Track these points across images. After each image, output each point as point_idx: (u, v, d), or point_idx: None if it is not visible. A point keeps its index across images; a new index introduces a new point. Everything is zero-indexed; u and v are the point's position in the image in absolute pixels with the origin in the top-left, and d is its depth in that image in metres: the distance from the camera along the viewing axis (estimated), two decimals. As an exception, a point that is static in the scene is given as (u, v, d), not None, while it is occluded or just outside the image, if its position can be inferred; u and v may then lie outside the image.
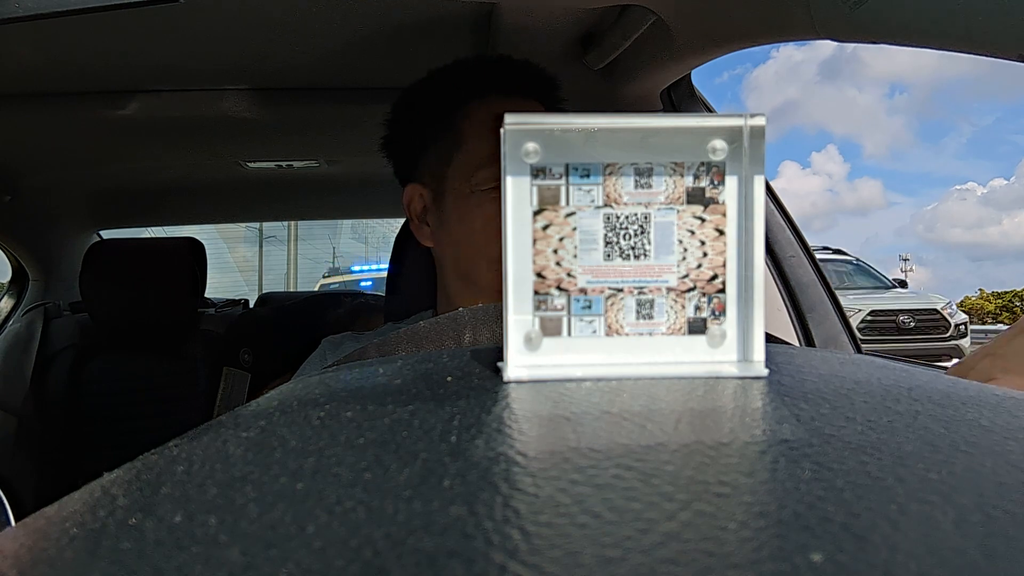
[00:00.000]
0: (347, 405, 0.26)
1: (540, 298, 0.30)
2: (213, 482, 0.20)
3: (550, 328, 0.30)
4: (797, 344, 1.04)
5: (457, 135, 0.79)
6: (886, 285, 8.14)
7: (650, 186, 0.30)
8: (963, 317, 7.64)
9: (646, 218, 0.30)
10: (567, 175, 0.29)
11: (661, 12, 0.84)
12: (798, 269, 1.08)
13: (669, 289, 0.30)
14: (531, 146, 0.29)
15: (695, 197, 0.30)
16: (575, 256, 0.30)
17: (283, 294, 2.75)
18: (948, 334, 7.32)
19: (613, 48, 0.98)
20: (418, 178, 0.83)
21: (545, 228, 0.29)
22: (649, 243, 0.30)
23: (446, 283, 0.84)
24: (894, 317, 7.27)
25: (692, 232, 0.30)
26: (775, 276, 1.08)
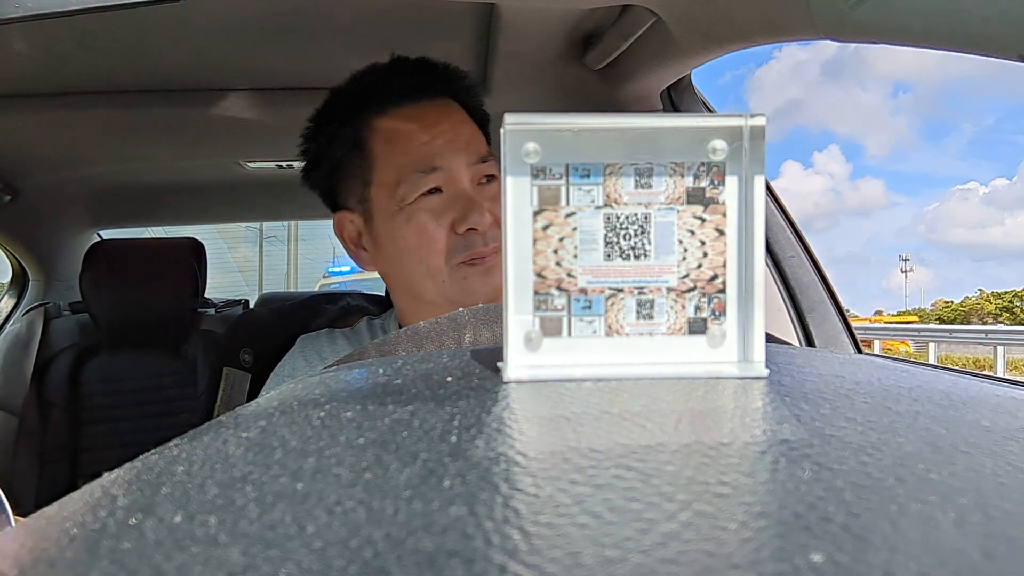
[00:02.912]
0: (347, 405, 0.26)
1: (540, 298, 0.30)
2: (213, 482, 0.20)
3: (550, 328, 0.30)
4: (797, 344, 1.04)
5: (369, 155, 0.77)
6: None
7: (650, 186, 0.30)
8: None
9: (646, 218, 0.30)
10: (567, 175, 0.29)
11: (661, 12, 0.84)
12: (798, 269, 1.08)
13: (669, 289, 0.30)
14: (531, 146, 0.29)
15: (695, 197, 0.30)
16: (575, 256, 0.30)
17: (284, 294, 2.74)
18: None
19: (613, 48, 0.98)
20: (344, 204, 0.81)
21: (545, 228, 0.29)
22: (649, 243, 0.30)
23: (398, 301, 0.83)
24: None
25: (692, 232, 0.30)
26: (775, 276, 1.07)
